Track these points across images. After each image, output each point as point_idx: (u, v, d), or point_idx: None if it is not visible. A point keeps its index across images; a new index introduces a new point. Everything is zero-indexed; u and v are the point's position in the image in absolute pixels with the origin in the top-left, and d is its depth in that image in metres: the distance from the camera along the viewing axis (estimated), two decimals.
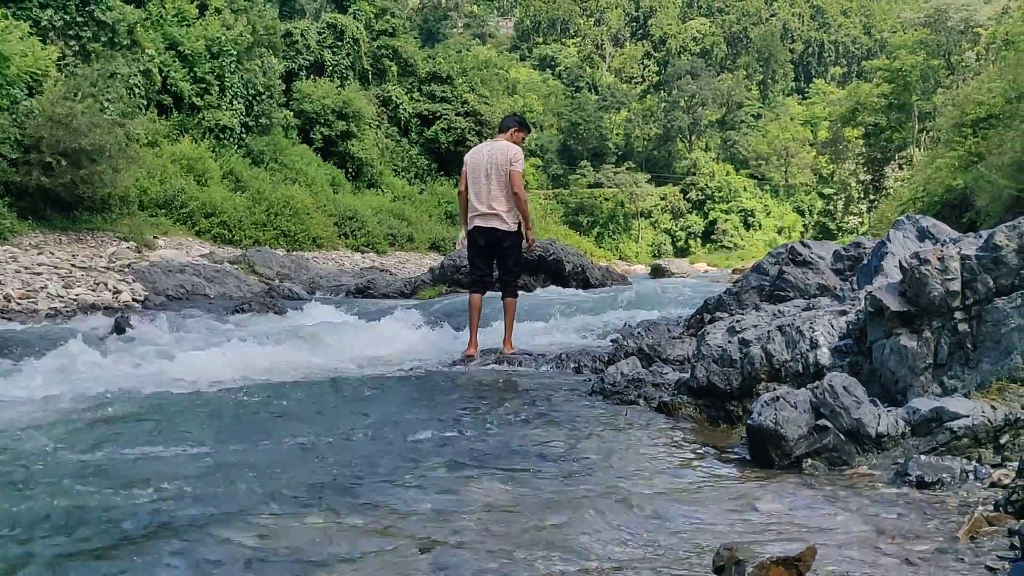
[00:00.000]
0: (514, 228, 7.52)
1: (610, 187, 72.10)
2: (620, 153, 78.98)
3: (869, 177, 61.38)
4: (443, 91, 40.18)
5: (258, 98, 29.66)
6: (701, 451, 4.00)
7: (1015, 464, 3.45)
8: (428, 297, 14.01)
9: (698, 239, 72.93)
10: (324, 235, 27.28)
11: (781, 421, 3.77)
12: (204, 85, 27.42)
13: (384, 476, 3.28)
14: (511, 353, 7.58)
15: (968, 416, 3.65)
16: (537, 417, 4.75)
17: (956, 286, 3.93)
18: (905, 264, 4.14)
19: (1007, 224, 4.02)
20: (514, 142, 7.54)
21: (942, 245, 4.21)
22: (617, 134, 79.86)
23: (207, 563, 2.26)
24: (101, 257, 14.42)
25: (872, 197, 59.66)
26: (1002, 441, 3.62)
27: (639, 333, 7.49)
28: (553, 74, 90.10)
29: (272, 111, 30.52)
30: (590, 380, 6.16)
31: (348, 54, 37.18)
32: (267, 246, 21.39)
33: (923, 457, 3.51)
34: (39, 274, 11.43)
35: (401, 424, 4.40)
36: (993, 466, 3.50)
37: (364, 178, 35.37)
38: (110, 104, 21.13)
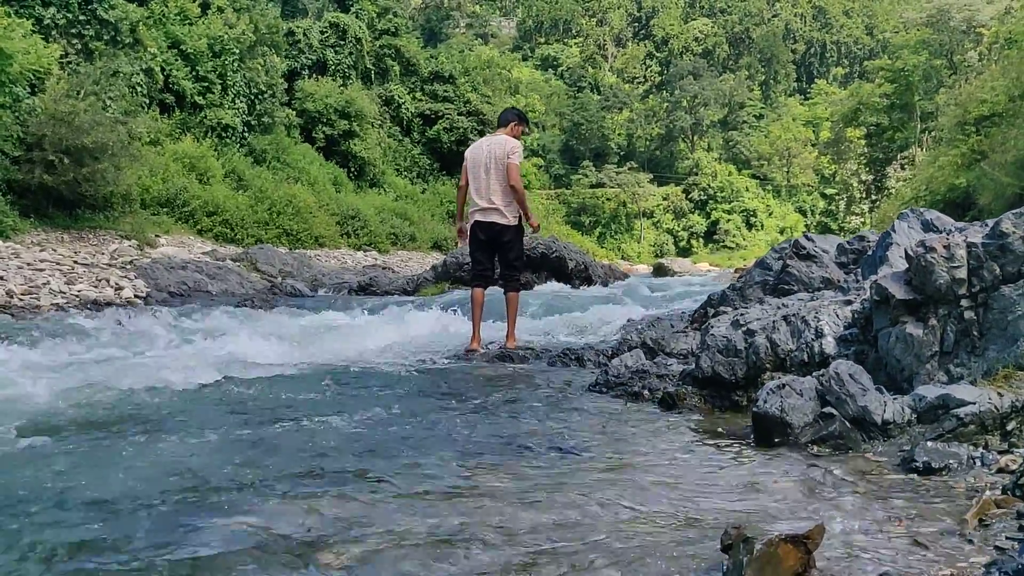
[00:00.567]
0: (514, 222, 7.52)
1: (612, 187, 72.11)
2: (622, 153, 79.00)
3: (871, 177, 61.36)
4: (445, 91, 40.17)
5: (260, 97, 29.67)
6: (706, 438, 3.99)
7: (1022, 450, 3.44)
8: (430, 295, 14.00)
9: (700, 239, 72.91)
10: (326, 234, 27.29)
11: (787, 408, 3.76)
12: (206, 84, 27.44)
13: (391, 462, 3.27)
14: (514, 347, 7.57)
15: (975, 403, 3.63)
16: (541, 407, 4.74)
17: (962, 274, 3.92)
18: (911, 252, 4.13)
19: (1014, 212, 4.01)
20: (513, 136, 7.54)
21: (947, 234, 4.20)
22: (619, 134, 79.85)
23: (223, 538, 2.25)
24: (103, 254, 14.42)
25: (874, 197, 59.63)
26: (1009, 428, 3.61)
27: (642, 328, 7.48)
28: (555, 74, 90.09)
29: (274, 110, 30.52)
30: (594, 373, 6.14)
31: (350, 53, 37.17)
32: (269, 245, 21.38)
33: (929, 444, 3.49)
34: (41, 270, 11.43)
35: (406, 414, 4.39)
36: (1000, 452, 3.48)
37: (366, 177, 35.37)
38: (112, 102, 21.15)
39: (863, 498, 2.89)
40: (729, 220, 73.03)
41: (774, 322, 4.76)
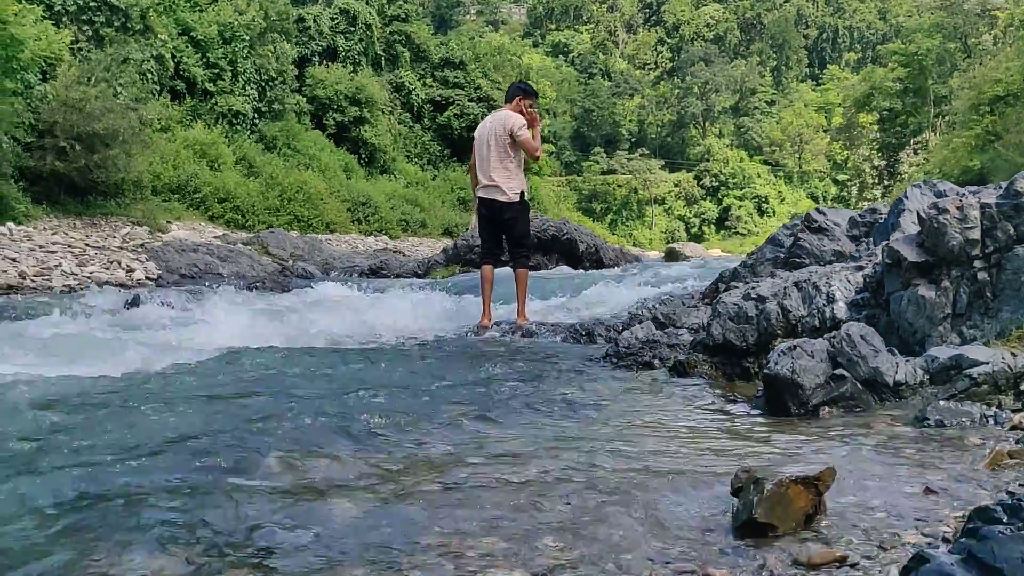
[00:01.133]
0: (515, 199, 7.46)
1: (623, 174, 71.92)
2: (633, 140, 78.74)
3: (883, 163, 60.98)
4: (456, 77, 40.09)
5: (271, 84, 29.68)
6: (717, 402, 3.97)
7: None
8: (441, 277, 14.00)
9: (712, 225, 72.67)
10: (337, 220, 27.32)
11: (798, 370, 3.73)
12: (217, 71, 27.45)
13: (406, 424, 3.26)
14: (525, 323, 7.55)
15: (988, 363, 3.60)
16: (552, 376, 4.73)
17: (975, 234, 3.88)
18: (923, 214, 4.09)
19: None
20: (519, 110, 7.48)
21: (960, 196, 4.16)
22: (630, 120, 79.58)
23: (243, 491, 2.26)
24: (115, 238, 14.48)
25: (887, 182, 59.29)
26: (1022, 387, 3.58)
27: (653, 306, 7.46)
28: (566, 60, 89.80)
29: (285, 97, 30.53)
30: (604, 347, 6.13)
31: (361, 40, 37.12)
32: (280, 229, 21.43)
33: (942, 403, 3.47)
34: (53, 252, 11.48)
35: (418, 384, 4.39)
36: (1013, 411, 3.45)
37: (377, 164, 35.37)
38: (123, 89, 21.18)
39: (874, 451, 2.87)
40: (741, 206, 72.74)
41: (785, 288, 4.73)
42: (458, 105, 39.70)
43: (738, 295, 5.09)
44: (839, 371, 3.76)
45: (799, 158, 78.10)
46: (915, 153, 54.47)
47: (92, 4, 21.75)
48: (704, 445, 2.96)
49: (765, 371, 3.84)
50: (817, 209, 7.20)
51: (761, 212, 72.99)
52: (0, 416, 3.20)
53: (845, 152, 73.08)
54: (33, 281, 10.00)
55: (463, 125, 39.47)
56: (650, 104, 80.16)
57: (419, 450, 2.83)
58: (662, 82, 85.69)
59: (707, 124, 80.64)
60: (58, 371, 4.31)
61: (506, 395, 3.99)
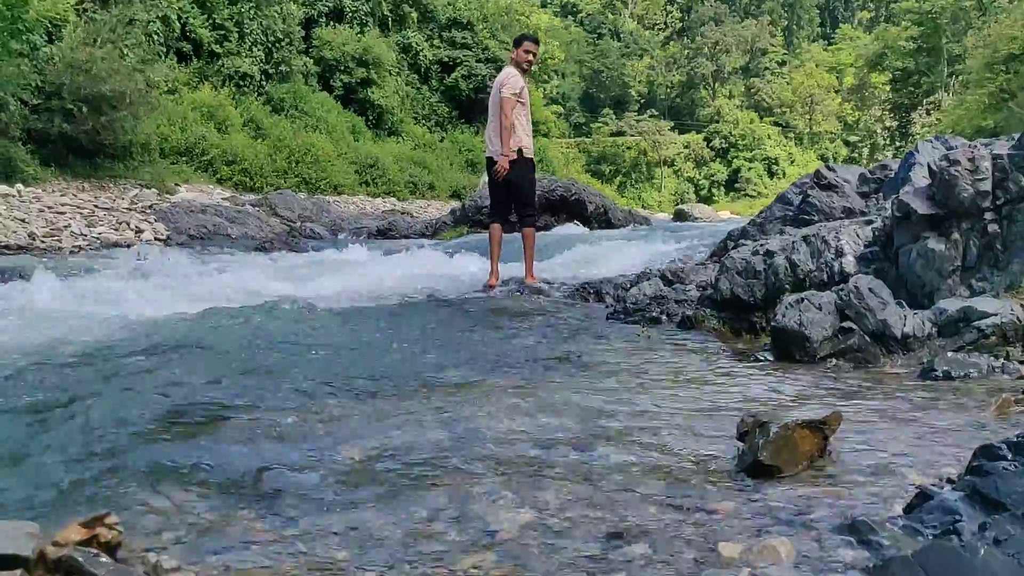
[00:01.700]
0: (512, 157, 7.38)
1: (632, 135, 71.36)
2: (643, 101, 78.03)
3: (895, 123, 60.36)
4: (463, 38, 39.66)
5: (277, 45, 29.42)
6: (724, 356, 3.98)
7: None
8: (449, 238, 13.98)
9: (721, 187, 72.20)
10: (345, 183, 27.23)
11: (805, 322, 3.73)
12: (223, 32, 27.22)
13: (412, 374, 3.28)
14: (532, 283, 7.54)
15: (997, 315, 3.60)
16: (560, 333, 4.74)
17: (987, 186, 3.85)
18: (934, 166, 4.06)
19: None
20: (517, 62, 7.37)
21: (972, 147, 4.12)
22: (640, 81, 78.78)
23: (263, 433, 2.28)
24: (123, 199, 14.48)
25: (898, 143, 58.70)
26: None
27: (662, 264, 7.46)
28: (575, 20, 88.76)
29: (292, 58, 30.27)
30: (612, 304, 6.13)
31: (367, 0, 36.73)
32: (288, 190, 21.38)
33: (950, 354, 3.47)
34: (62, 213, 11.50)
35: (431, 338, 4.40)
36: (1021, 362, 3.45)
37: (384, 126, 35.13)
38: (129, 51, 21.03)
39: (881, 399, 2.88)
40: (751, 168, 72.17)
41: (793, 243, 4.71)
42: (466, 66, 39.33)
43: (746, 251, 5.07)
44: (847, 324, 3.76)
45: (810, 119, 77.33)
46: (927, 114, 53.85)
47: None
48: (710, 395, 2.96)
49: (773, 323, 3.84)
50: (827, 166, 7.14)
51: (771, 174, 72.42)
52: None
53: (857, 113, 72.33)
54: (43, 242, 10.04)
55: (471, 87, 39.17)
56: (660, 65, 79.29)
57: (428, 403, 2.84)
58: (672, 42, 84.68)
59: (717, 85, 79.82)
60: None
61: (513, 350, 4.00)
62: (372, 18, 37.03)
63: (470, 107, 38.95)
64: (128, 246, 10.39)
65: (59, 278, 5.83)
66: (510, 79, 7.21)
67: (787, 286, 4.58)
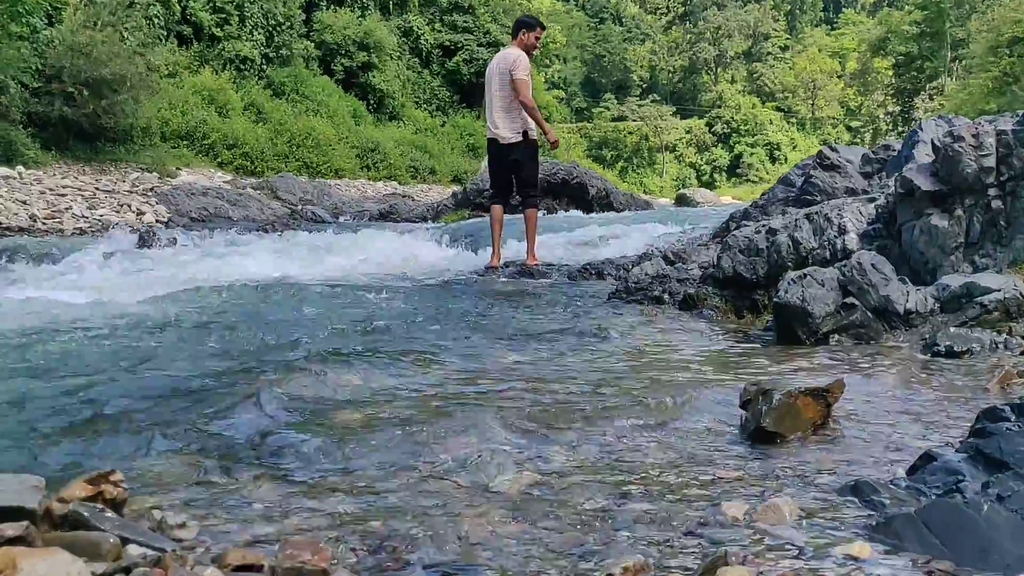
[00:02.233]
0: (518, 139, 7.29)
1: (634, 120, 71.16)
2: (645, 86, 77.75)
3: (898, 109, 60.13)
4: (465, 21, 39.50)
5: (278, 29, 29.33)
6: (726, 332, 3.98)
7: None
8: (451, 221, 13.96)
9: (723, 173, 72.04)
10: (346, 167, 27.19)
11: (808, 298, 3.73)
12: (224, 15, 27.13)
13: (417, 346, 3.28)
14: (534, 264, 7.53)
15: (999, 290, 3.60)
16: (562, 311, 4.75)
17: (991, 162, 3.84)
18: (938, 142, 4.05)
19: None
20: (525, 45, 7.31)
21: (976, 123, 4.11)
22: (641, 66, 78.46)
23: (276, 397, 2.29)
24: (124, 182, 14.48)
25: (901, 129, 58.51)
26: None
27: (663, 247, 7.45)
28: (576, 5, 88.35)
29: (292, 42, 30.17)
30: (614, 284, 6.13)
31: None
32: (290, 173, 21.36)
33: (952, 329, 3.47)
34: (63, 195, 11.51)
35: (434, 315, 4.41)
36: None
37: (386, 110, 35.04)
38: (129, 34, 20.97)
39: (884, 372, 2.88)
40: (752, 153, 71.98)
41: (796, 220, 4.70)
42: (467, 50, 39.17)
43: (749, 229, 5.07)
44: (849, 300, 3.75)
45: (812, 104, 77.08)
46: (930, 99, 53.64)
47: None
48: (713, 369, 2.97)
49: (775, 299, 3.84)
50: (830, 146, 7.12)
51: (773, 159, 72.22)
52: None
53: (859, 98, 72.07)
54: (44, 224, 10.04)
55: (472, 71, 39.00)
56: (661, 49, 78.98)
57: (440, 369, 2.84)
58: (674, 27, 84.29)
59: (719, 70, 79.53)
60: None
61: (516, 327, 4.00)
62: (373, 1, 36.88)
63: (471, 91, 38.81)
64: (131, 228, 10.38)
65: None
66: (522, 60, 7.12)
67: (789, 264, 4.58)
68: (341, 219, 14.60)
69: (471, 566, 1.25)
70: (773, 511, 1.47)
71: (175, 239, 8.27)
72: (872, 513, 1.47)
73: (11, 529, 1.15)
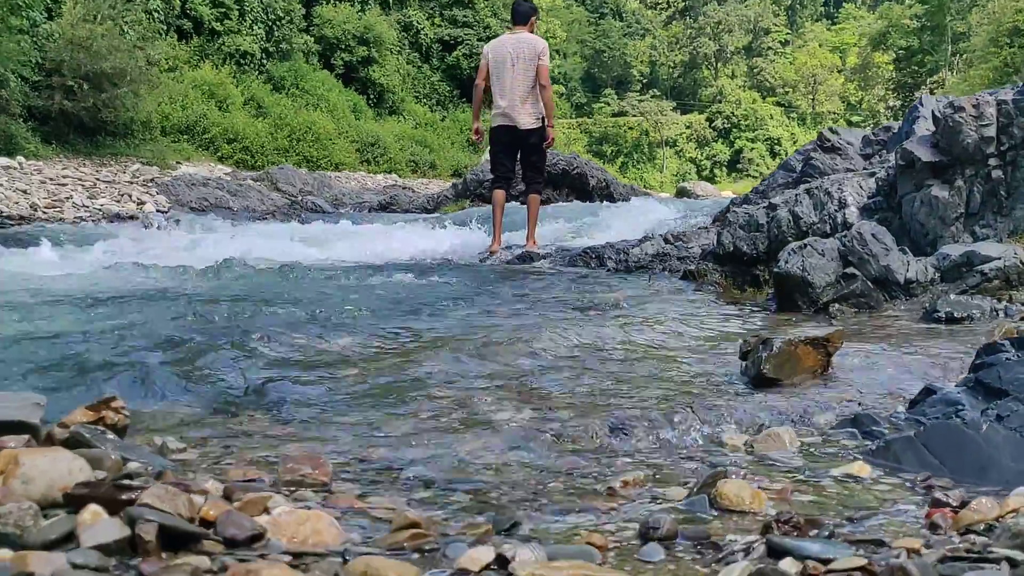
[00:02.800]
0: (538, 124, 7.35)
1: (634, 116, 71.06)
2: (645, 81, 77.64)
3: (899, 103, 60.02)
4: (465, 16, 39.43)
5: (278, 23, 29.30)
6: (726, 303, 3.98)
7: None
8: (451, 212, 13.95)
9: (723, 168, 71.94)
10: (346, 161, 27.17)
11: (808, 268, 3.73)
12: (224, 10, 27.09)
13: (413, 316, 3.28)
14: (534, 248, 7.53)
15: (1000, 258, 3.60)
16: (564, 287, 4.75)
17: (991, 132, 3.84)
18: (938, 113, 4.05)
19: None
20: (530, 31, 7.32)
21: (976, 95, 4.11)
22: (642, 61, 78.36)
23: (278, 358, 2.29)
24: (125, 173, 14.47)
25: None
26: None
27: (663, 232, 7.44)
28: (576, 0, 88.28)
29: (292, 36, 30.13)
30: (614, 267, 6.13)
31: None
32: (289, 165, 21.33)
33: (952, 297, 3.47)
34: (64, 185, 11.49)
35: (430, 292, 4.41)
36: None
37: (385, 104, 34.99)
38: (129, 28, 20.96)
39: (884, 334, 2.88)
40: (753, 148, 71.88)
41: (796, 196, 4.71)
42: (467, 45, 39.10)
43: (750, 206, 5.08)
44: (850, 270, 3.75)
45: (812, 99, 77.00)
46: (931, 93, 53.40)
47: None
48: (714, 331, 2.97)
49: (775, 270, 3.84)
50: (831, 128, 7.12)
51: (773, 154, 72.10)
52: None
53: (860, 93, 71.96)
54: (44, 212, 10.03)
55: (472, 65, 38.89)
56: (662, 45, 78.88)
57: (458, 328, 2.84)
58: (674, 22, 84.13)
59: (719, 65, 79.43)
60: None
61: (519, 302, 4.00)
62: None
63: (471, 86, 38.74)
64: (131, 217, 10.38)
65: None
66: (547, 48, 7.17)
67: (790, 239, 4.57)
68: (341, 210, 14.60)
69: (467, 480, 1.25)
70: (773, 439, 1.47)
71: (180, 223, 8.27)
72: (871, 442, 1.47)
73: (13, 442, 1.15)
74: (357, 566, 0.91)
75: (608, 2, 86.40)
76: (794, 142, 74.26)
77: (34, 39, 17.95)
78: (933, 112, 4.11)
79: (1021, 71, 19.21)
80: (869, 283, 3.71)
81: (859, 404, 1.78)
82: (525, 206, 7.75)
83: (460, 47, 38.79)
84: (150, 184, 12.99)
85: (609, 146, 69.44)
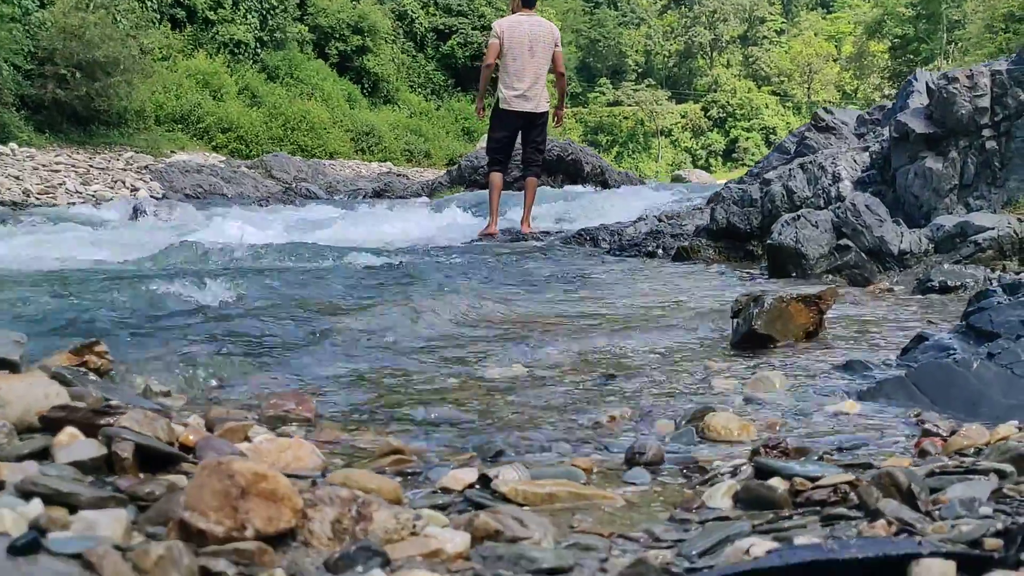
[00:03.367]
0: (547, 108, 7.33)
1: (630, 105, 70.94)
2: (640, 70, 77.44)
3: (894, 92, 59.97)
4: (459, 5, 39.26)
5: (272, 12, 29.16)
6: (719, 276, 3.97)
7: None
8: (445, 197, 13.91)
9: (719, 157, 71.84)
10: (341, 150, 27.10)
11: (802, 239, 3.72)
12: None
13: (413, 287, 3.26)
14: (529, 231, 7.51)
15: (994, 228, 3.59)
16: (560, 265, 4.72)
17: (985, 102, 3.82)
18: (932, 85, 4.03)
19: None
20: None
21: (970, 68, 4.09)
22: (637, 51, 78.18)
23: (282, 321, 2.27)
24: (119, 160, 14.41)
25: None
26: None
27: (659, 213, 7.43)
28: None
29: (287, 25, 30.00)
30: (609, 247, 6.11)
31: None
32: (284, 153, 21.26)
33: (946, 266, 3.46)
34: (57, 171, 11.45)
35: (428, 271, 4.38)
36: (1017, 274, 3.44)
37: (380, 94, 34.87)
38: (122, 16, 20.86)
39: (877, 300, 2.88)
40: (748, 138, 71.74)
41: (790, 170, 4.69)
42: (461, 34, 38.95)
43: (743, 183, 5.06)
44: (843, 241, 3.74)
45: (808, 88, 76.87)
46: None
47: None
48: (708, 299, 2.96)
49: (768, 241, 3.83)
50: (825, 108, 7.10)
51: (768, 143, 71.90)
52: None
53: (855, 82, 71.87)
54: (38, 199, 10.00)
55: (467, 54, 38.83)
56: (657, 34, 78.69)
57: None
58: (669, 11, 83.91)
59: (715, 54, 79.28)
60: None
61: (515, 278, 3.97)
62: None
63: (466, 75, 38.64)
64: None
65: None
66: (557, 30, 7.19)
67: (784, 213, 4.55)
68: (336, 197, 14.56)
69: (459, 418, 1.23)
70: (763, 382, 1.46)
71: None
72: (863, 384, 1.46)
73: None
74: (336, 477, 0.90)
75: None
76: (789, 131, 74.15)
77: (26, 27, 17.86)
78: (927, 84, 4.09)
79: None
80: (863, 254, 3.70)
81: (851, 356, 1.77)
82: (522, 191, 7.74)
83: (455, 36, 38.65)
84: (144, 171, 12.94)
85: (604, 136, 69.31)
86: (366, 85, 33.90)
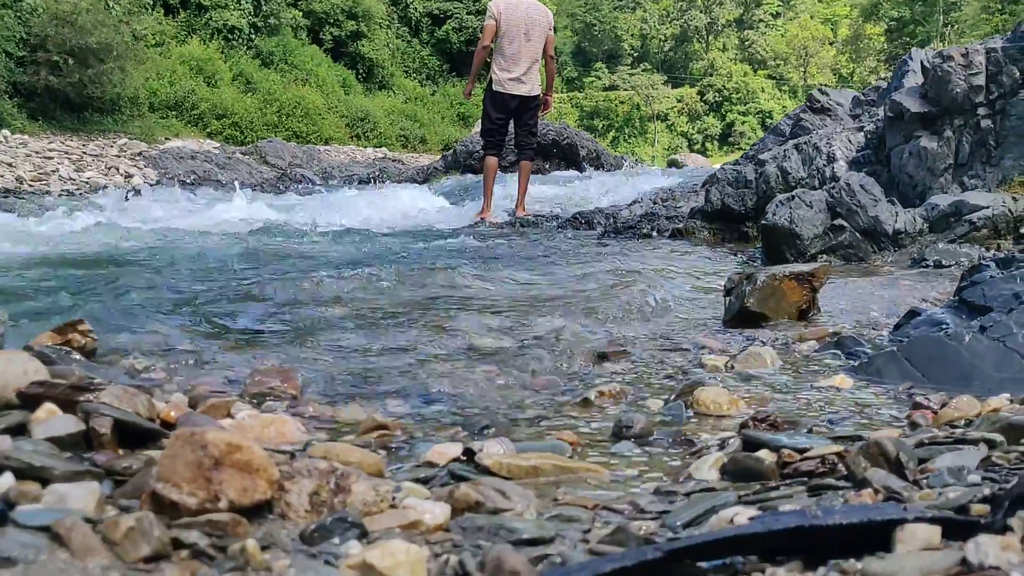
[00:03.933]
0: (539, 91, 7.29)
1: (625, 90, 70.75)
2: (636, 55, 77.19)
3: (890, 75, 59.84)
4: None
5: None
6: (713, 256, 3.96)
7: None
8: (442, 180, 13.88)
9: (715, 141, 71.68)
10: (336, 136, 27.00)
11: (796, 220, 3.70)
12: None
13: (405, 264, 3.24)
14: (524, 214, 7.49)
15: (988, 207, 3.58)
16: (556, 246, 4.72)
17: (980, 80, 3.80)
18: (927, 64, 4.01)
19: None
20: None
21: (965, 46, 4.07)
22: (632, 35, 77.91)
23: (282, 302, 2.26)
24: (113, 147, 14.34)
25: None
26: (1022, 231, 3.56)
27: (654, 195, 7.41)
28: None
29: (281, 11, 29.82)
30: (604, 230, 6.10)
31: None
32: (278, 139, 21.19)
33: (941, 245, 3.45)
34: (50, 158, 11.39)
35: (424, 252, 4.38)
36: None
37: (375, 79, 34.70)
38: (114, 2, 20.75)
39: (871, 278, 2.87)
40: (744, 122, 71.56)
41: (785, 151, 4.67)
42: (456, 19, 38.73)
43: (738, 165, 5.04)
44: (838, 221, 3.72)
45: (804, 72, 76.65)
46: None
47: None
48: (702, 279, 2.95)
49: (763, 222, 3.81)
50: (820, 89, 7.08)
51: (764, 127, 71.77)
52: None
53: (851, 65, 71.68)
54: (31, 186, 9.95)
55: (462, 39, 38.62)
56: (652, 18, 78.39)
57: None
58: None
59: (711, 38, 78.99)
60: None
61: (510, 259, 3.96)
62: None
63: (461, 60, 38.46)
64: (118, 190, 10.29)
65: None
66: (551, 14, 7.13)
67: (778, 194, 4.54)
68: (331, 182, 14.52)
69: (447, 393, 1.22)
70: (755, 358, 1.45)
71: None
72: (854, 360, 1.45)
73: None
74: (316, 451, 0.89)
75: None
76: (785, 115, 73.94)
77: (18, 14, 17.76)
78: (922, 62, 4.07)
79: None
80: (857, 234, 3.69)
81: (843, 333, 1.76)
82: (516, 174, 7.71)
83: (450, 21, 38.45)
84: (138, 157, 12.89)
85: (600, 120, 69.13)
86: (361, 71, 33.73)
